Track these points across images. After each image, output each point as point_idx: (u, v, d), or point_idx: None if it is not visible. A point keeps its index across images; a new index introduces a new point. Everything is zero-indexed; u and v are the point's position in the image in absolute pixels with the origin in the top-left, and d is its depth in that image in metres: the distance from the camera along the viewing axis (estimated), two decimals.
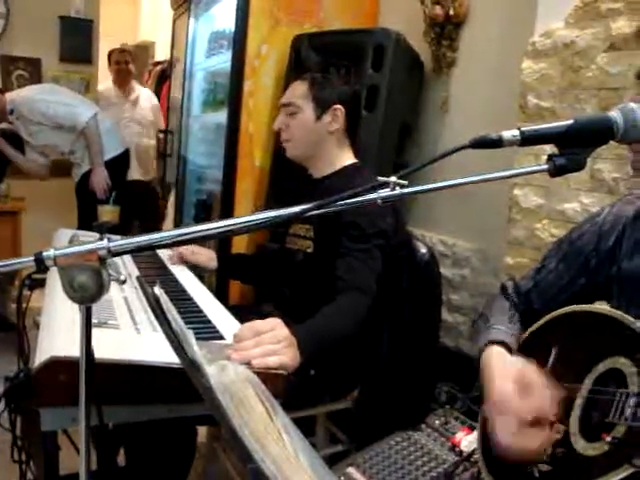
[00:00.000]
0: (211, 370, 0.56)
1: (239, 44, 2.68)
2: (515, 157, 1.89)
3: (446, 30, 2.43)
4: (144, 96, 4.64)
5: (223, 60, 2.96)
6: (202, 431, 1.94)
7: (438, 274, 1.79)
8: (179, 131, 3.58)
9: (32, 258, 0.73)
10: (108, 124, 3.64)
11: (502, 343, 1.06)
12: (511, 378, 0.95)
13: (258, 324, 1.17)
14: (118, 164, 3.70)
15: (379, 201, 0.75)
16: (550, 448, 0.89)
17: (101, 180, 3.50)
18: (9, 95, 3.44)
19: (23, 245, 3.59)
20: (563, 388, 0.92)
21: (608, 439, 0.81)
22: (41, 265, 0.72)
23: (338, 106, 1.68)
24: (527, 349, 1.06)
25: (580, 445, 0.85)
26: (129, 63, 4.47)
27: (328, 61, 1.77)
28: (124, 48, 4.61)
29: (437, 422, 1.38)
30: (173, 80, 3.95)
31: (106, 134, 3.55)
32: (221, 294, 2.35)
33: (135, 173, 4.27)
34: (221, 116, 2.88)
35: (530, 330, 1.10)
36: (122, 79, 4.47)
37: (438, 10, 2.39)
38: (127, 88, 4.52)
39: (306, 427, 1.72)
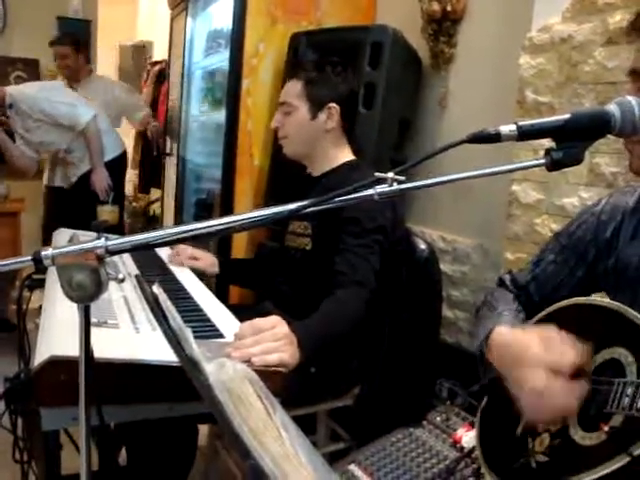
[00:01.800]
0: (210, 368, 0.56)
1: (237, 43, 2.68)
2: (514, 152, 1.89)
3: (444, 26, 2.43)
4: (98, 91, 3.88)
5: (221, 59, 2.96)
6: (203, 430, 1.94)
7: (438, 270, 1.80)
8: (178, 131, 3.58)
9: (30, 257, 0.74)
10: (105, 125, 3.63)
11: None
12: (534, 337, 0.91)
13: (258, 322, 1.17)
14: (117, 165, 3.71)
15: (376, 197, 0.75)
16: (548, 439, 0.89)
17: (103, 180, 3.50)
18: (8, 89, 3.42)
19: (23, 246, 3.60)
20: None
21: (606, 429, 0.81)
22: (39, 264, 0.72)
23: (333, 104, 1.68)
24: None
25: (578, 435, 0.85)
26: (67, 57, 3.74)
27: (325, 59, 1.77)
28: (62, 38, 3.80)
29: (438, 419, 1.38)
30: (171, 80, 3.95)
31: (104, 135, 3.55)
32: (221, 293, 2.35)
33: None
34: (220, 115, 2.88)
35: (531, 322, 1.09)
36: (66, 77, 3.83)
37: (435, 6, 2.39)
38: (77, 85, 3.86)
39: (307, 425, 1.73)
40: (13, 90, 3.44)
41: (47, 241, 3.37)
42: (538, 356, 0.88)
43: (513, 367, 0.93)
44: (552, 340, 0.89)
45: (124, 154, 3.84)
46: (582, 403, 0.87)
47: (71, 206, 3.53)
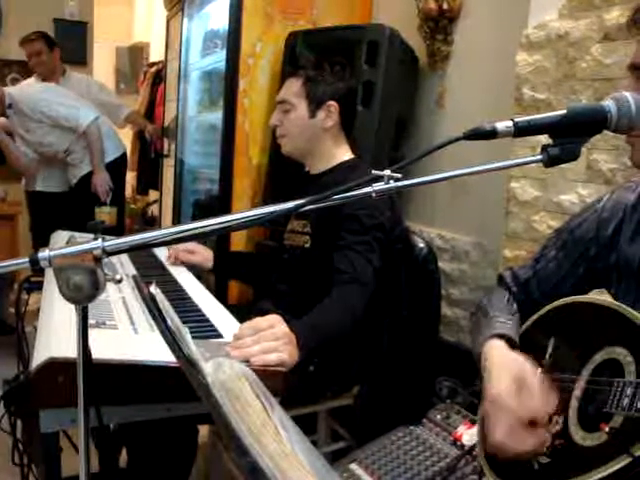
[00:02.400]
0: (207, 367, 0.56)
1: (233, 43, 2.68)
2: (511, 150, 1.89)
3: (440, 24, 2.43)
4: (77, 90, 3.70)
5: (218, 59, 2.95)
6: (204, 430, 1.94)
7: (436, 269, 1.79)
8: (175, 132, 3.58)
9: (27, 259, 0.73)
10: (106, 127, 3.63)
11: (504, 337, 1.05)
12: (510, 376, 0.93)
13: (257, 321, 1.17)
14: (117, 166, 3.70)
15: (373, 194, 0.75)
16: (550, 440, 0.89)
17: (104, 182, 3.49)
18: (7, 89, 3.41)
19: (21, 248, 3.60)
20: (559, 392, 0.91)
21: (606, 429, 0.80)
22: (36, 266, 0.72)
23: (332, 103, 1.68)
24: (526, 339, 1.06)
25: (579, 436, 0.85)
26: (42, 54, 3.59)
27: (324, 57, 1.77)
28: (35, 35, 3.63)
29: (438, 417, 1.38)
30: (168, 81, 3.94)
31: (105, 137, 3.54)
32: (220, 293, 2.35)
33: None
34: (217, 116, 2.88)
35: (530, 320, 1.09)
36: (42, 75, 3.67)
37: (432, 4, 2.39)
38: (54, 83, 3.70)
39: (308, 424, 1.73)
40: (13, 90, 3.43)
41: (37, 246, 3.38)
42: (504, 402, 0.90)
43: (485, 397, 0.96)
44: (523, 386, 0.91)
45: (124, 156, 3.84)
46: (580, 403, 0.87)
47: (69, 208, 3.52)
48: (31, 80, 3.76)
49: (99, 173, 3.49)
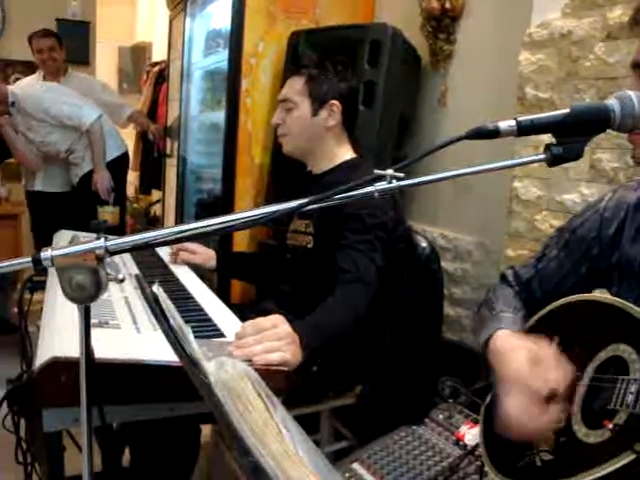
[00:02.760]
0: (210, 366, 0.56)
1: (235, 42, 2.68)
2: (515, 150, 1.89)
3: (443, 23, 2.42)
4: (80, 89, 3.65)
5: (220, 59, 2.95)
6: (206, 430, 1.94)
7: (439, 268, 1.79)
8: (178, 131, 3.58)
9: (30, 259, 0.73)
10: (108, 126, 3.63)
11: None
12: (525, 354, 0.92)
13: (260, 321, 1.17)
14: (118, 165, 3.70)
15: (376, 194, 0.75)
16: (553, 436, 0.89)
17: (105, 181, 3.49)
18: (11, 88, 3.40)
19: (24, 248, 3.60)
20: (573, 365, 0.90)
21: (610, 426, 0.80)
22: (39, 265, 0.72)
23: (335, 102, 1.68)
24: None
25: (582, 433, 0.85)
26: (54, 50, 3.62)
27: (327, 56, 1.77)
28: (48, 31, 3.69)
29: (441, 416, 1.38)
30: (170, 80, 3.94)
31: (107, 135, 3.55)
32: (222, 292, 2.35)
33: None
34: (219, 115, 2.88)
35: (534, 319, 1.09)
36: (49, 72, 3.69)
37: (434, 3, 2.38)
38: (59, 83, 3.70)
39: (310, 423, 1.73)
40: (16, 88, 3.42)
41: (39, 246, 3.37)
42: (520, 378, 0.89)
43: (499, 379, 0.94)
44: (539, 361, 0.90)
45: (126, 155, 3.84)
46: (584, 400, 0.87)
47: (71, 208, 3.52)
48: (33, 78, 3.77)
49: (100, 172, 3.48)
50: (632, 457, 0.75)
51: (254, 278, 2.13)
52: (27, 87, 3.52)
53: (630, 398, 0.80)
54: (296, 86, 1.71)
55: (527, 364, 0.90)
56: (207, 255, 1.94)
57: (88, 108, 3.44)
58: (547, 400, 0.87)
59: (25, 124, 3.39)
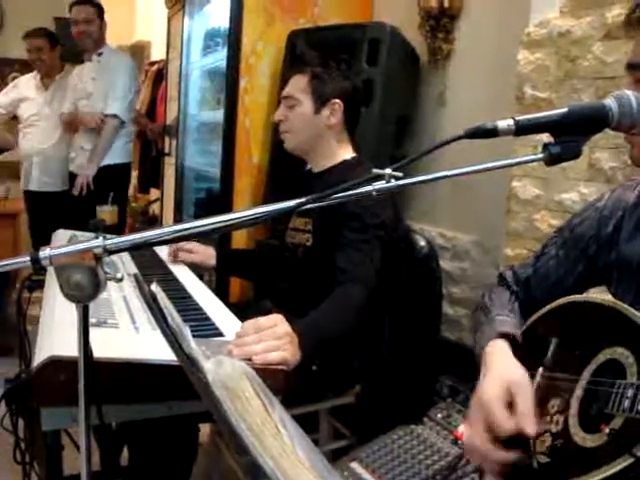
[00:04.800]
0: (208, 365, 0.56)
1: (234, 42, 2.68)
2: (513, 150, 1.89)
3: (441, 22, 2.43)
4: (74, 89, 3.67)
5: (219, 58, 2.95)
6: (205, 429, 1.94)
7: (437, 267, 1.79)
8: (176, 130, 3.58)
9: (28, 258, 0.73)
10: (125, 135, 3.63)
11: (507, 336, 1.05)
12: (503, 387, 0.92)
13: (260, 320, 1.17)
14: (122, 171, 3.68)
15: (374, 193, 0.75)
16: (550, 440, 0.89)
17: (88, 176, 3.42)
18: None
19: (23, 247, 3.60)
20: (541, 424, 0.90)
21: (606, 430, 0.80)
22: (37, 264, 0.72)
23: (337, 101, 1.68)
24: (528, 338, 1.06)
25: (579, 436, 0.85)
26: (42, 50, 3.64)
27: (330, 55, 1.77)
28: (38, 31, 3.68)
29: (439, 415, 1.38)
30: (169, 79, 3.94)
31: (118, 140, 3.54)
32: (221, 291, 2.35)
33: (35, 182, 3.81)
34: (218, 114, 2.88)
35: (531, 319, 1.09)
36: (39, 71, 3.73)
37: (433, 2, 2.39)
38: (51, 80, 3.78)
39: (309, 423, 1.73)
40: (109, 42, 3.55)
41: (37, 245, 3.33)
42: (489, 410, 0.90)
43: (475, 391, 0.96)
44: (514, 404, 0.90)
45: (128, 165, 3.82)
46: (581, 404, 0.87)
47: (69, 208, 3.50)
48: (29, 76, 3.77)
49: (88, 167, 3.44)
50: (630, 461, 0.75)
51: (253, 275, 2.12)
52: (118, 50, 3.69)
53: (627, 403, 0.79)
54: (299, 84, 1.71)
55: (500, 400, 0.90)
56: (207, 254, 1.94)
57: (123, 105, 3.45)
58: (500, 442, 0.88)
59: (87, 76, 3.45)
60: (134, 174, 5.12)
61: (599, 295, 1.06)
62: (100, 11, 3.53)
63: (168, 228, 0.79)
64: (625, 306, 0.89)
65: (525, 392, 0.91)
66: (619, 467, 0.75)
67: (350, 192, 0.76)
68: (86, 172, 3.43)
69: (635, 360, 0.83)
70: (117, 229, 3.44)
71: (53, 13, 4.36)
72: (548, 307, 1.05)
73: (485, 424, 0.89)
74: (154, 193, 4.90)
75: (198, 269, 1.92)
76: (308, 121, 1.70)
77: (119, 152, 3.57)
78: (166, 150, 3.87)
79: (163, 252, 1.96)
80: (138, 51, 6.16)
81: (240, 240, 2.72)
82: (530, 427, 0.87)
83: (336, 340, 1.44)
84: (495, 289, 1.24)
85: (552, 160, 0.78)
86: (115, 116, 3.41)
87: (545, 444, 0.89)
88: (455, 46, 2.44)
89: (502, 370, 0.96)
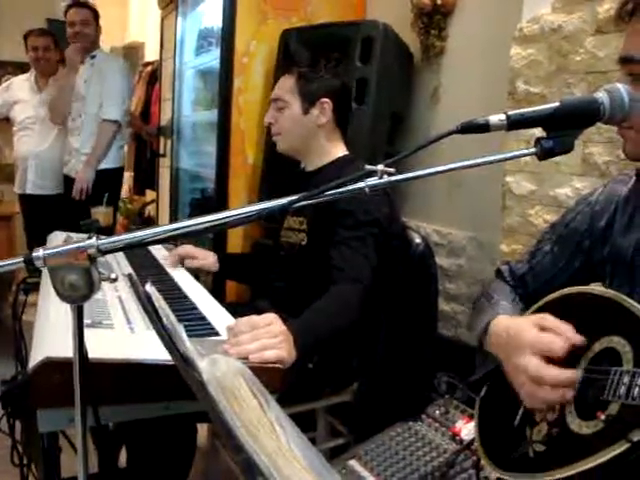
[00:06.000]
0: (203, 364, 0.56)
1: (227, 41, 2.67)
2: (507, 145, 1.89)
3: (434, 20, 2.43)
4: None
5: (212, 58, 2.95)
6: (203, 429, 1.94)
7: (433, 264, 1.80)
8: (171, 131, 3.57)
9: (22, 259, 0.73)
10: (120, 140, 3.63)
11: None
12: (530, 323, 0.94)
13: (254, 319, 1.17)
14: (115, 175, 3.67)
15: (367, 190, 0.75)
16: (546, 428, 0.89)
17: (87, 180, 3.41)
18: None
19: (18, 249, 3.59)
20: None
21: (602, 417, 0.81)
22: (31, 265, 0.72)
23: (325, 99, 1.68)
24: None
25: (575, 424, 0.86)
26: (49, 49, 3.65)
27: (317, 55, 1.77)
28: (45, 30, 3.72)
29: (437, 412, 1.38)
30: (163, 80, 3.93)
31: (114, 145, 3.54)
32: (217, 291, 2.35)
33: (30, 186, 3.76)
34: (212, 114, 2.87)
35: (530, 310, 1.09)
36: (41, 71, 3.71)
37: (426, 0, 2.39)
38: (46, 82, 3.74)
39: (307, 421, 1.73)
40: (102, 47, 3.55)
41: (32, 248, 3.30)
42: (531, 341, 0.90)
43: (509, 354, 0.94)
44: (546, 326, 0.91)
45: (120, 170, 3.81)
46: (577, 391, 0.87)
47: (64, 210, 3.49)
48: (23, 78, 3.75)
49: (87, 170, 3.43)
50: (626, 446, 0.75)
51: (251, 279, 2.11)
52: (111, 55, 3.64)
53: (622, 389, 0.80)
54: (287, 85, 1.71)
55: (533, 331, 0.91)
56: (210, 260, 1.92)
57: (121, 110, 3.46)
58: (565, 364, 0.88)
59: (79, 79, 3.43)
60: (130, 175, 5.13)
61: (596, 287, 1.06)
62: (96, 15, 3.54)
63: (162, 227, 0.79)
64: (621, 296, 0.90)
65: (551, 318, 0.93)
66: (615, 452, 0.76)
67: (342, 189, 0.76)
68: (85, 176, 3.43)
69: (631, 348, 0.83)
70: (109, 231, 3.43)
71: (45, 15, 4.36)
72: (545, 299, 1.05)
73: (540, 356, 0.89)
74: (150, 195, 4.89)
75: (197, 272, 1.90)
76: (298, 122, 1.70)
77: (112, 157, 3.56)
78: (161, 151, 3.86)
79: (158, 252, 1.95)
80: (132, 52, 6.14)
81: (236, 240, 2.72)
82: (576, 337, 0.89)
83: (332, 338, 1.43)
84: (494, 281, 1.24)
85: (545, 154, 0.79)
86: (114, 121, 3.41)
87: (541, 433, 0.90)
88: (448, 43, 2.44)
89: (521, 320, 0.98)
